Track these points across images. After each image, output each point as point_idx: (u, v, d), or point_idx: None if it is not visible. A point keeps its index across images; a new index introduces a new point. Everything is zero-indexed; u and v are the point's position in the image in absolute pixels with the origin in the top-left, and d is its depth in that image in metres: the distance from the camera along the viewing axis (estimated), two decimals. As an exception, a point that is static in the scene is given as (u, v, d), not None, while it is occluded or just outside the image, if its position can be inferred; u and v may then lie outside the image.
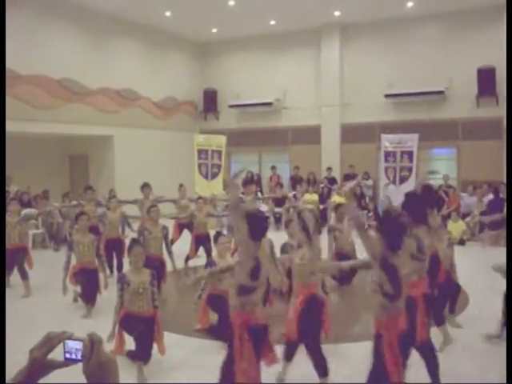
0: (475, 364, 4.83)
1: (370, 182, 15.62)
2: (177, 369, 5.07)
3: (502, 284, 5.42)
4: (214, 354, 5.06)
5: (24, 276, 7.90)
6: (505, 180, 13.34)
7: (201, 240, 9.37)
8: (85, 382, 1.30)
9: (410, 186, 13.86)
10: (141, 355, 4.90)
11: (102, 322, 5.46)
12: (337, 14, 15.44)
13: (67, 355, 1.31)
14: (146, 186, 9.88)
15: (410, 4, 14.50)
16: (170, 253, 8.28)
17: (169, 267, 8.14)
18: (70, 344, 1.31)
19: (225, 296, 5.73)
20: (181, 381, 4.40)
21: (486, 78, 14.46)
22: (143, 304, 5.08)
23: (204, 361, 5.10)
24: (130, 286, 5.07)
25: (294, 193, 14.78)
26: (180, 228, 10.24)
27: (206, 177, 13.01)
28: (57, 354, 1.33)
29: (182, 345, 5.66)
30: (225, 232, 9.21)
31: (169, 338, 5.32)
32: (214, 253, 6.13)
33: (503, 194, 11.96)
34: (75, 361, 1.31)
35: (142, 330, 4.89)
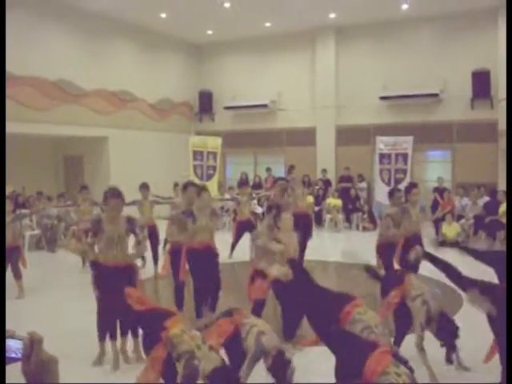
0: (472, 364, 4.83)
1: (364, 185, 15.66)
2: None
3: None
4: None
5: (18, 276, 7.88)
6: (500, 182, 13.42)
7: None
8: (24, 381, 1.25)
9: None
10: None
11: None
12: (332, 16, 15.47)
13: (7, 354, 1.25)
14: (144, 187, 9.72)
15: (405, 6, 14.54)
16: (155, 260, 8.90)
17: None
18: (11, 342, 1.25)
19: None
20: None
21: (480, 80, 14.51)
22: (117, 253, 5.00)
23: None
24: (105, 234, 4.99)
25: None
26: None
27: (201, 178, 13.03)
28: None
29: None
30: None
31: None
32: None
33: (501, 198, 11.93)
34: (15, 360, 1.25)
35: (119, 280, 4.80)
